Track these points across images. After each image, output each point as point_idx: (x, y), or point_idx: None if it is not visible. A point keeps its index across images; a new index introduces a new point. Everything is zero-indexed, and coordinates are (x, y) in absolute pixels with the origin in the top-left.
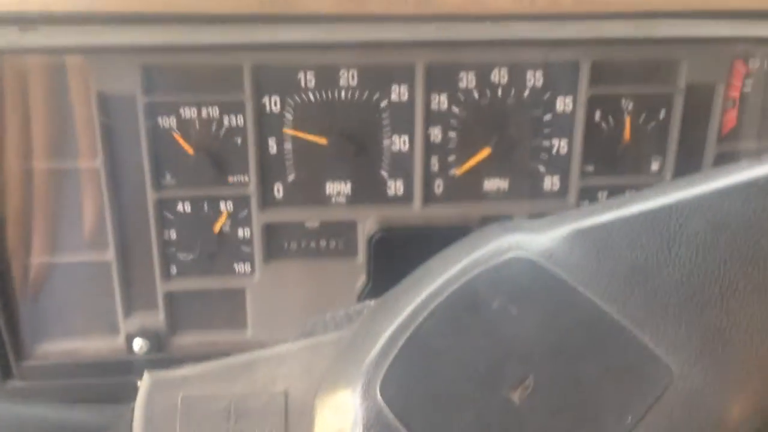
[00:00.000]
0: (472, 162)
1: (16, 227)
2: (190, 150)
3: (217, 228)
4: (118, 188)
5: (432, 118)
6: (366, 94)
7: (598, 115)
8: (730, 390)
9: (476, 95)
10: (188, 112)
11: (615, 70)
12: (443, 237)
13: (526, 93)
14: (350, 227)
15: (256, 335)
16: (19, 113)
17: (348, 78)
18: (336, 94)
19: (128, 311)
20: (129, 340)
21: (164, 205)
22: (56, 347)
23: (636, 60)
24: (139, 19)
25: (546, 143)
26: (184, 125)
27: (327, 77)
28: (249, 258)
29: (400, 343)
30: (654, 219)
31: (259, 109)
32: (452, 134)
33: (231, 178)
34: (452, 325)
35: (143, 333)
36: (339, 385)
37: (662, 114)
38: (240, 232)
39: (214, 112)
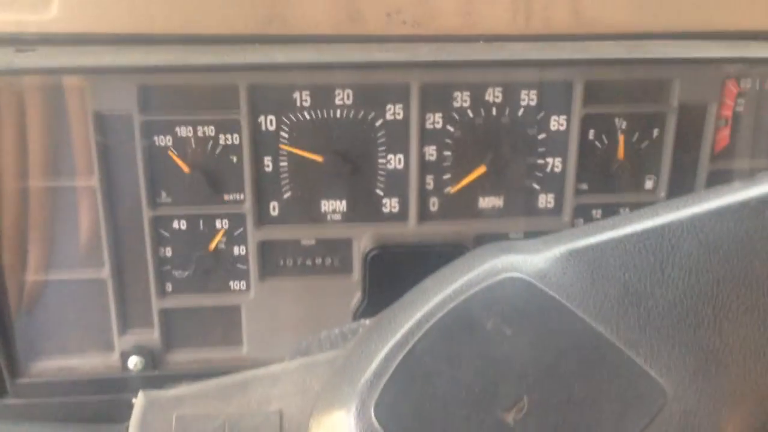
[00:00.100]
0: (466, 180)
1: (11, 244)
2: (185, 168)
3: (212, 246)
4: (113, 206)
5: (427, 136)
6: (361, 113)
7: (591, 133)
8: (724, 411)
9: (471, 114)
10: (184, 131)
11: (608, 89)
12: (438, 254)
13: (521, 112)
14: (346, 245)
15: (251, 352)
16: (16, 132)
17: (343, 97)
18: (331, 113)
19: (123, 329)
20: (124, 357)
21: (160, 223)
22: (51, 365)
23: (629, 80)
24: (136, 41)
25: (540, 162)
26: (180, 144)
27: (322, 96)
28: (244, 275)
29: (395, 363)
30: (647, 240)
31: (255, 127)
32: (447, 153)
33: (227, 196)
34: (446, 346)
35: (138, 350)
36: (334, 405)
37: (655, 133)
38: (235, 250)
39: (210, 130)
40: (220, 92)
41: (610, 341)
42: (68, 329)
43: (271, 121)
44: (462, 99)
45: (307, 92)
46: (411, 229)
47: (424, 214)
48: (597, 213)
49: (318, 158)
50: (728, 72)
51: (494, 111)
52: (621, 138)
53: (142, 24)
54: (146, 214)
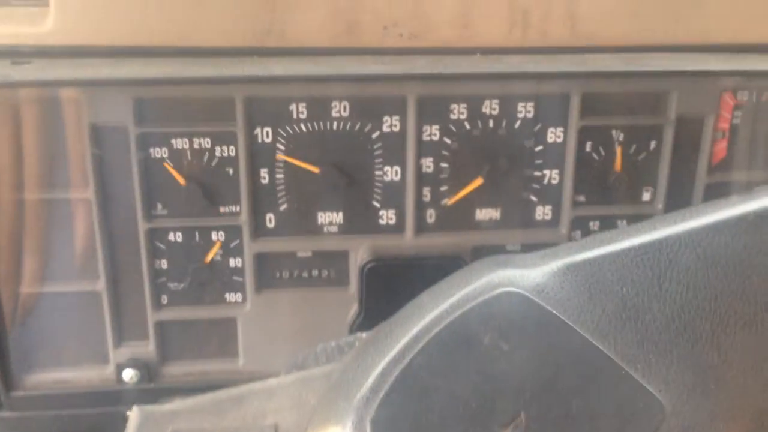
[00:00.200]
0: (463, 192)
1: (6, 256)
2: (181, 180)
3: (208, 258)
4: (109, 218)
5: (424, 148)
6: (358, 125)
7: (589, 145)
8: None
9: (468, 126)
10: (180, 143)
11: (605, 101)
12: (435, 267)
13: (518, 124)
14: (342, 257)
15: (247, 365)
16: (11, 144)
17: (340, 109)
18: (328, 125)
19: (118, 341)
20: (119, 370)
21: (155, 235)
22: (46, 378)
23: (626, 92)
24: (132, 53)
25: (537, 174)
26: (175, 156)
27: (319, 109)
28: (240, 287)
29: (392, 378)
30: (644, 254)
31: (251, 139)
32: (444, 165)
33: (222, 208)
34: (443, 361)
35: (133, 363)
36: (330, 420)
37: (653, 145)
38: (231, 262)
39: (206, 142)
40: (216, 104)
41: (607, 356)
42: (63, 342)
43: (267, 133)
44: (459, 111)
45: (304, 104)
46: (408, 242)
47: (421, 226)
48: (594, 225)
49: (315, 169)
50: (725, 85)
51: (491, 123)
52: (618, 150)
53: (139, 37)
54: (142, 226)
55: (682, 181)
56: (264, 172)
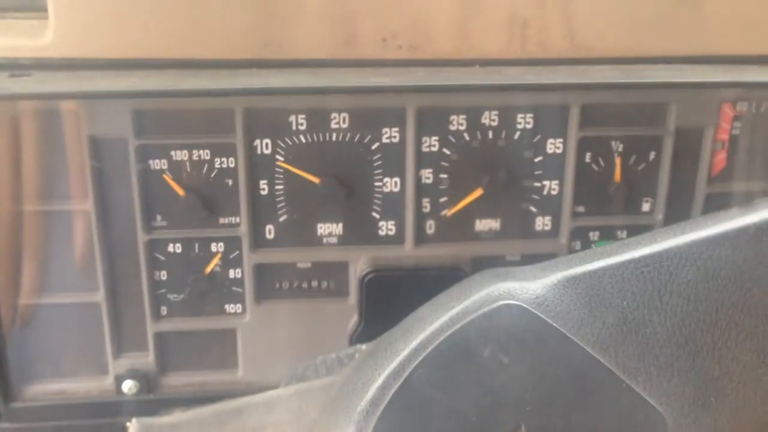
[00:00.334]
0: (463, 203)
1: (5, 268)
2: (180, 192)
3: (208, 269)
4: (108, 230)
5: (423, 159)
6: (357, 136)
7: (588, 156)
8: None
9: (467, 137)
10: (179, 155)
11: (605, 112)
12: (435, 277)
13: (517, 135)
14: (342, 268)
15: (246, 376)
16: (10, 156)
17: (339, 121)
18: (327, 137)
19: (118, 352)
20: (118, 381)
21: (155, 247)
22: (45, 389)
23: (625, 103)
24: (131, 65)
25: (537, 184)
26: (175, 167)
27: (318, 120)
28: (240, 298)
29: (391, 392)
30: (645, 267)
31: (251, 151)
32: (443, 175)
33: (222, 220)
34: (443, 374)
35: (133, 374)
36: None
37: (652, 155)
38: (231, 273)
39: (205, 154)
40: (215, 116)
41: (608, 369)
42: (62, 353)
43: (266, 144)
44: (458, 122)
45: (303, 116)
46: (407, 252)
47: (420, 237)
48: (594, 235)
49: (315, 179)
50: (724, 96)
51: (490, 134)
52: (618, 161)
53: (138, 49)
54: (141, 237)
55: (682, 191)
56: (263, 184)
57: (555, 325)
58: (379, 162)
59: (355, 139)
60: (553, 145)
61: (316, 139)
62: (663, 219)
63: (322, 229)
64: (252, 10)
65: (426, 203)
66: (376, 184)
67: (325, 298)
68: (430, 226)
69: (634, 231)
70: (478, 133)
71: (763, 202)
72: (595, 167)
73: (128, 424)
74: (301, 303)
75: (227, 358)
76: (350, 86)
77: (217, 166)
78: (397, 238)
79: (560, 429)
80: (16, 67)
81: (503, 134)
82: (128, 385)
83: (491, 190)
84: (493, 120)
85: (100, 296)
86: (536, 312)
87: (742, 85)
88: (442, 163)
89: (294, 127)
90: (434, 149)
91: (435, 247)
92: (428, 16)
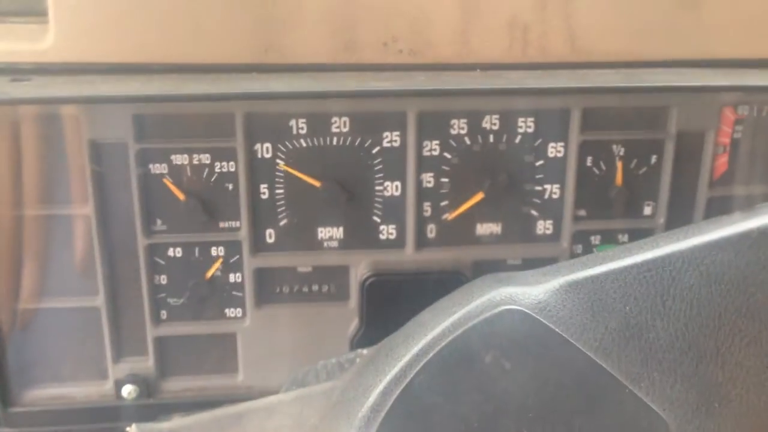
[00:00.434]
0: (464, 207)
1: (5, 272)
2: (181, 196)
3: (209, 274)
4: (108, 234)
5: (424, 163)
6: (358, 140)
7: (589, 160)
8: None
9: (468, 141)
10: (179, 159)
11: (606, 116)
12: (436, 281)
13: (518, 139)
14: (342, 272)
15: (247, 380)
16: (10, 160)
17: (340, 125)
18: (328, 141)
19: (117, 357)
20: (118, 385)
21: (155, 251)
22: (44, 393)
23: (627, 107)
24: (132, 70)
25: (538, 188)
26: (175, 171)
27: (319, 124)
28: (240, 302)
29: (392, 398)
30: (648, 272)
31: (251, 155)
32: (444, 179)
33: (222, 224)
34: (445, 380)
35: (133, 379)
36: None
37: (654, 159)
38: (231, 277)
39: (206, 158)
40: (215, 120)
41: (611, 375)
42: (62, 357)
43: (267, 148)
44: (459, 126)
45: (304, 120)
46: (408, 256)
47: (421, 241)
48: (595, 239)
49: (316, 183)
50: (726, 99)
51: (491, 138)
52: (619, 164)
53: (138, 53)
54: (141, 242)
55: (684, 195)
56: (264, 188)
57: (557, 330)
58: (380, 166)
59: (356, 143)
60: (554, 149)
61: (316, 143)
62: (664, 223)
63: (323, 233)
64: (252, 15)
65: (427, 207)
66: (377, 188)
67: (326, 302)
68: (431, 230)
69: (636, 235)
70: (479, 137)
71: (765, 207)
72: (596, 171)
73: (128, 429)
74: (302, 307)
75: (227, 362)
76: (351, 90)
77: (217, 170)
78: (398, 242)
79: None
80: (16, 71)
81: (504, 138)
82: (128, 390)
83: (492, 194)
84: (494, 124)
85: (99, 300)
86: (538, 317)
87: (744, 88)
88: (443, 167)
89: (294, 132)
90: (435, 153)
91: (436, 251)
92: (429, 21)
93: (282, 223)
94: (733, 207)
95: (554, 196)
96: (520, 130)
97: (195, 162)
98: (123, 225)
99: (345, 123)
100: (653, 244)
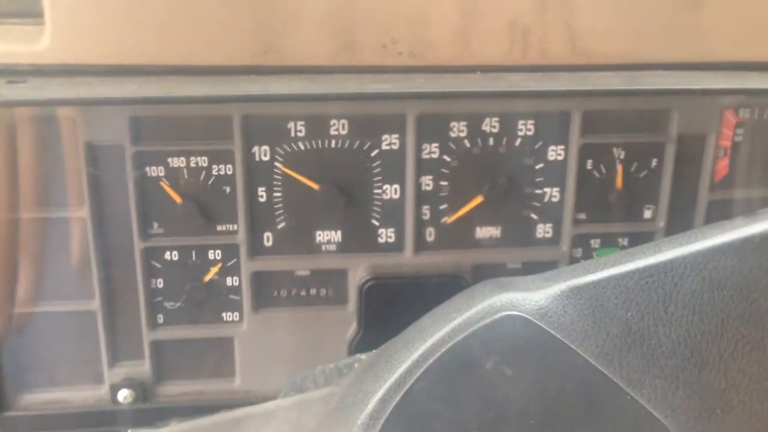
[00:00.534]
0: (463, 210)
1: (0, 276)
2: (178, 199)
3: (207, 278)
4: (104, 237)
5: (423, 166)
6: (357, 143)
7: (590, 163)
8: None
9: (468, 144)
10: (176, 162)
11: (606, 119)
12: (435, 285)
13: (518, 142)
14: (341, 275)
15: (244, 384)
16: (6, 162)
17: (338, 127)
18: (326, 144)
19: (113, 361)
20: (114, 390)
21: (151, 254)
22: (40, 398)
23: (627, 110)
24: (129, 72)
25: (538, 191)
26: (172, 174)
27: (317, 127)
28: (237, 306)
29: (392, 404)
30: (649, 277)
31: (249, 158)
32: (444, 183)
33: (219, 227)
34: (445, 387)
35: (129, 383)
36: None
37: (654, 163)
38: (228, 281)
39: (203, 161)
40: (213, 122)
41: (612, 381)
42: (57, 361)
43: (265, 151)
44: (459, 129)
45: (302, 122)
46: (407, 260)
47: (420, 245)
48: (595, 242)
49: (314, 186)
50: (726, 102)
51: (491, 141)
52: (619, 168)
53: (135, 55)
54: (137, 245)
55: (684, 198)
56: (261, 191)
57: (558, 336)
58: (379, 169)
59: (355, 146)
60: (555, 152)
61: (315, 145)
62: (665, 226)
63: (321, 236)
64: (251, 16)
65: (426, 210)
66: (376, 191)
67: (324, 306)
68: (430, 234)
69: (636, 238)
70: (479, 139)
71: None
72: (596, 174)
73: None
74: (300, 311)
75: (224, 366)
76: (350, 93)
77: (214, 173)
78: (397, 246)
79: None
80: (12, 73)
81: (504, 141)
82: (124, 395)
83: (492, 198)
84: (494, 127)
85: (95, 304)
86: (539, 323)
87: (744, 91)
88: (443, 170)
89: (293, 134)
90: (434, 156)
91: (435, 255)
92: (428, 23)
93: (280, 226)
94: (734, 210)
95: (554, 200)
96: (520, 133)
97: (192, 165)
98: (119, 228)
99: (344, 125)
100: (655, 250)
